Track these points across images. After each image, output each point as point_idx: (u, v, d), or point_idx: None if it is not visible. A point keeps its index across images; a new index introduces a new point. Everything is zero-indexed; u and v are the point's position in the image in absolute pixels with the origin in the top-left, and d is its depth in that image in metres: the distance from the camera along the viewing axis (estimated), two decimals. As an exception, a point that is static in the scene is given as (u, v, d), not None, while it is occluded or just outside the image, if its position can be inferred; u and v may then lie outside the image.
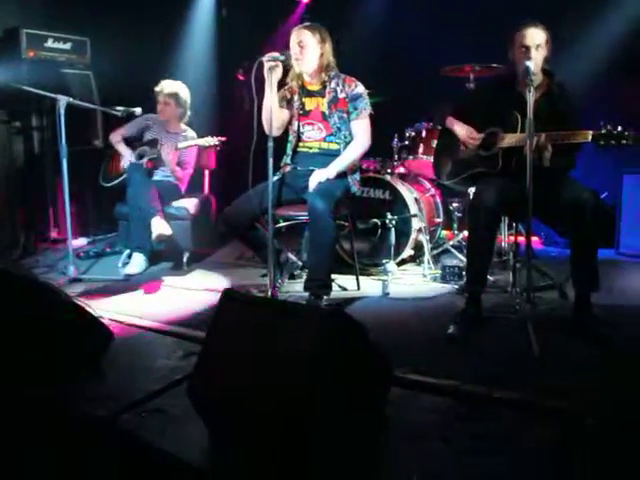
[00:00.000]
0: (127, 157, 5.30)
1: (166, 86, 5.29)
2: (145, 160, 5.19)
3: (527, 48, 3.48)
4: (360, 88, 4.03)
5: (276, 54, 3.76)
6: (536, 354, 3.07)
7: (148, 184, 5.01)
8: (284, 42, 4.13)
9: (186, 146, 5.20)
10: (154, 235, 4.83)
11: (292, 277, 4.56)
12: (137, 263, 4.89)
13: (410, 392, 2.77)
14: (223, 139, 4.95)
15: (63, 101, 4.50)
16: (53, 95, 4.54)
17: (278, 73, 3.81)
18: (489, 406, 2.63)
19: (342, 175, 4.05)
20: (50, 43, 5.88)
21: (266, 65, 3.73)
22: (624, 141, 3.12)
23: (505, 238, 4.75)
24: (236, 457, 2.12)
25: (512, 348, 3.25)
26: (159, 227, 4.82)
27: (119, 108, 5.00)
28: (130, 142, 5.42)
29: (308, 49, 3.91)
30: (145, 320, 3.74)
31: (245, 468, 2.04)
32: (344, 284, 4.42)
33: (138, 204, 4.88)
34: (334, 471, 1.91)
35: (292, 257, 4.59)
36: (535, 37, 3.48)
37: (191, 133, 5.41)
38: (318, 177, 3.90)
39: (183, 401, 2.32)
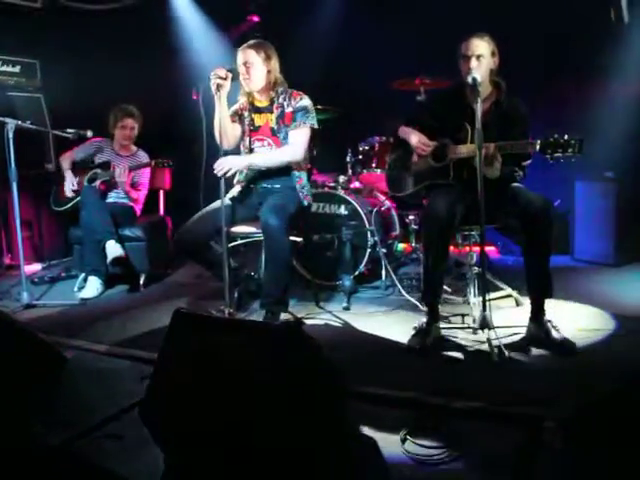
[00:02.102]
0: (68, 184, 5.27)
1: (134, 111, 5.32)
2: (98, 183, 5.15)
3: (468, 58, 3.52)
4: (305, 101, 4.00)
5: (221, 69, 3.74)
6: (494, 362, 3.09)
7: (102, 207, 4.97)
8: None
9: (139, 167, 5.19)
10: (109, 258, 4.79)
11: (252, 295, 4.52)
12: (93, 287, 4.85)
13: (369, 405, 2.76)
14: (169, 162, 4.97)
15: (11, 124, 4.44)
16: (1, 118, 4.47)
17: (227, 87, 3.78)
18: (449, 416, 2.63)
19: (291, 189, 4.04)
20: (-2, 66, 5.82)
21: (212, 82, 3.71)
22: (570, 149, 3.16)
23: (461, 248, 4.79)
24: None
25: (471, 357, 3.28)
26: (114, 250, 4.78)
27: (70, 130, 4.94)
28: (80, 166, 5.37)
29: (254, 68, 3.89)
30: (102, 344, 3.68)
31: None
32: (303, 300, 4.41)
33: (92, 227, 4.84)
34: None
35: (250, 274, 4.56)
36: (476, 47, 3.51)
37: (143, 154, 5.39)
38: (222, 163, 3.83)
39: (139, 425, 2.28)
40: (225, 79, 3.73)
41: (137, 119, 5.37)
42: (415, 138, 3.82)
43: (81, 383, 3.12)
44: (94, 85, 5.92)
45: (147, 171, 5.35)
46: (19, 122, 4.53)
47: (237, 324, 2.35)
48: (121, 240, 4.94)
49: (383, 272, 4.76)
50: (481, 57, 3.51)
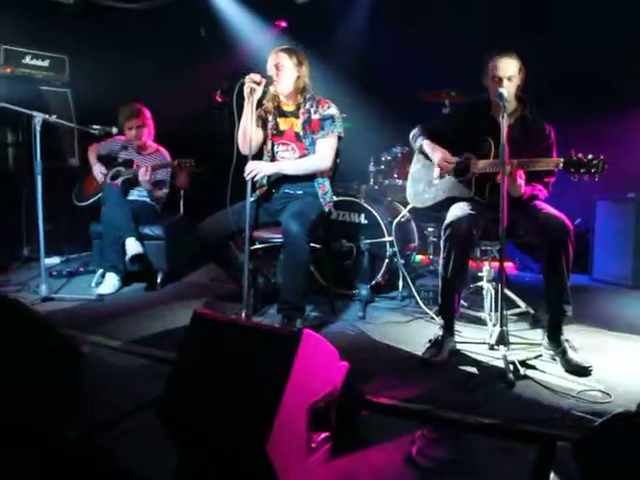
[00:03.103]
0: (97, 171, 5.33)
1: (136, 109, 5.30)
2: (120, 180, 5.18)
3: (500, 79, 3.53)
4: (332, 110, 4.02)
5: (257, 75, 3.76)
6: (509, 379, 3.07)
7: (123, 204, 5.00)
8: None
9: (161, 166, 5.20)
10: (128, 255, 4.81)
11: (268, 298, 4.51)
12: (110, 283, 4.88)
13: (381, 415, 2.76)
14: (192, 163, 4.96)
15: (39, 118, 4.48)
16: (29, 112, 4.51)
17: (258, 94, 3.81)
18: (461, 431, 2.63)
19: (313, 196, 4.07)
20: (28, 60, 5.89)
21: (247, 86, 3.73)
22: (594, 169, 3.16)
23: (480, 263, 4.77)
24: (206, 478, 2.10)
25: (485, 372, 3.26)
26: (133, 247, 4.81)
27: (96, 127, 4.99)
28: (103, 162, 5.41)
29: (284, 71, 3.92)
30: (117, 341, 3.71)
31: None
32: (319, 307, 4.41)
33: (113, 224, 4.87)
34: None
35: (268, 278, 4.57)
36: (507, 68, 3.53)
37: (165, 152, 5.41)
38: (252, 167, 3.86)
39: (153, 422, 2.30)
40: (259, 84, 3.76)
41: (142, 116, 5.31)
42: (438, 155, 3.82)
43: (96, 378, 3.14)
44: (121, 82, 5.97)
45: (168, 170, 5.35)
46: (47, 116, 4.56)
47: (253, 328, 2.36)
48: (141, 238, 4.97)
49: (400, 283, 4.75)
50: (512, 77, 3.53)
